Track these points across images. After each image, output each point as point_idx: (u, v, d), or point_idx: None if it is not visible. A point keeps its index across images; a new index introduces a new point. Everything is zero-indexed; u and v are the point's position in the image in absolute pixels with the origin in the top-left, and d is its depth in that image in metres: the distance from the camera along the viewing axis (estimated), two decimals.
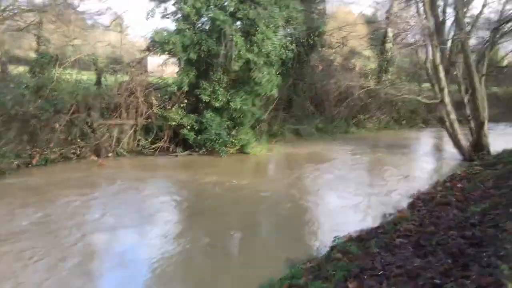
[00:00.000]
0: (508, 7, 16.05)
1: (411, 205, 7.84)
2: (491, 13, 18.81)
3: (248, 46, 12.22)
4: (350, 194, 9.26)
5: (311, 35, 15.30)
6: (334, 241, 6.25)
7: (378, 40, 21.79)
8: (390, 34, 20.91)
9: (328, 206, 8.54)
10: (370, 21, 23.55)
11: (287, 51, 13.28)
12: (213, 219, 7.72)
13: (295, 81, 17.09)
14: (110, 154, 12.95)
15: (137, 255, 6.35)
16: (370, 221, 7.35)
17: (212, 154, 12.98)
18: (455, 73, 13.82)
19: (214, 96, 12.73)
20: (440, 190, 8.40)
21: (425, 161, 13.07)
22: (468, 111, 12.80)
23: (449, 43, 17.06)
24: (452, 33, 18.71)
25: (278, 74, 13.51)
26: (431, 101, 12.70)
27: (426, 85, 20.20)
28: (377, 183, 10.22)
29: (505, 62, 24.15)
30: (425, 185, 9.69)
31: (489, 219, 5.76)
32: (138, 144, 13.55)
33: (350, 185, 9.98)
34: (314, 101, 18.24)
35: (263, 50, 12.24)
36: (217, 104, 12.70)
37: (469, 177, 8.83)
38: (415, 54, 23.09)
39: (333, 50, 17.96)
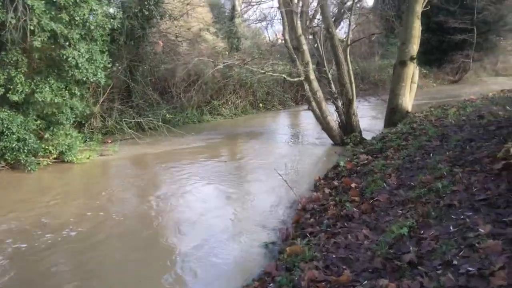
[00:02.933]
0: None
1: (298, 224, 5.59)
2: None
3: (54, 13, 8.66)
4: (213, 213, 6.63)
5: (146, 3, 12.17)
6: None
7: (226, 16, 19.65)
8: (238, 8, 18.91)
9: (186, 243, 5.78)
10: None
11: (112, 21, 9.96)
12: None
13: (132, 64, 13.80)
14: None
15: None
16: (247, 265, 4.87)
17: (17, 169, 9.20)
18: (315, 45, 12.20)
19: (11, 87, 8.90)
20: (330, 193, 6.34)
21: (294, 149, 11.22)
22: (333, 87, 11.27)
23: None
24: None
25: (106, 53, 10.17)
26: (295, 79, 10.83)
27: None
28: (243, 190, 7.86)
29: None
30: (305, 184, 7.65)
31: (430, 250, 3.72)
32: None
33: (210, 198, 7.41)
34: (158, 87, 15.21)
35: (77, 19, 8.80)
36: (16, 98, 8.84)
37: (359, 171, 6.98)
38: (265, 29, 21.77)
39: (176, 24, 15.01)
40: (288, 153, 10.76)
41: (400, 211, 4.78)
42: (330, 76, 11.36)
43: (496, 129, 6.83)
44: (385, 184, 5.66)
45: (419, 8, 10.65)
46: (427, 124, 8.30)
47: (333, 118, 10.96)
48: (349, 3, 18.94)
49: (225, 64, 11.66)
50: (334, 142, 10.95)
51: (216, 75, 15.73)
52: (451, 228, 3.91)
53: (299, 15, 11.06)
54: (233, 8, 18.72)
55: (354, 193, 5.77)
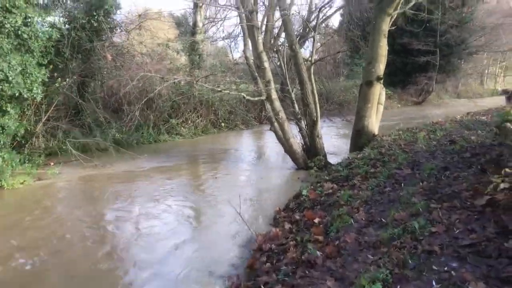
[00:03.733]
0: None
1: (251, 270, 4.72)
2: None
3: None
4: (153, 251, 5.70)
5: (95, 13, 11.21)
6: None
7: (188, 31, 18.86)
8: (200, 24, 18.17)
9: None
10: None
11: (51, 30, 8.94)
12: None
13: (81, 79, 12.71)
14: None
15: None
16: None
17: None
18: (278, 63, 11.55)
19: None
20: (290, 229, 5.52)
21: (255, 173, 10.37)
22: (297, 108, 10.61)
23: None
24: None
25: (46, 66, 9.13)
26: (256, 98, 10.09)
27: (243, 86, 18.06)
28: (194, 222, 6.94)
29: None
30: (264, 217, 6.82)
31: None
32: None
33: (154, 232, 6.42)
34: (110, 105, 14.13)
35: (7, 27, 7.78)
36: None
37: (323, 202, 6.20)
38: (229, 47, 21.19)
39: (128, 38, 14.00)
40: (249, 178, 9.93)
41: (371, 257, 4.01)
42: (293, 95, 10.71)
43: (471, 156, 6.25)
44: (352, 220, 4.90)
45: (385, 27, 10.19)
46: (396, 149, 7.68)
47: (296, 140, 10.25)
48: (314, 22, 18.62)
49: (176, 80, 10.79)
50: (298, 166, 10.22)
51: (172, 92, 14.86)
52: (434, 284, 3.17)
53: (262, 31, 10.43)
54: (195, 24, 17.94)
55: (318, 231, 4.97)
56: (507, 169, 3.77)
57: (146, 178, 9.79)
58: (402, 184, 5.73)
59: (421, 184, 5.34)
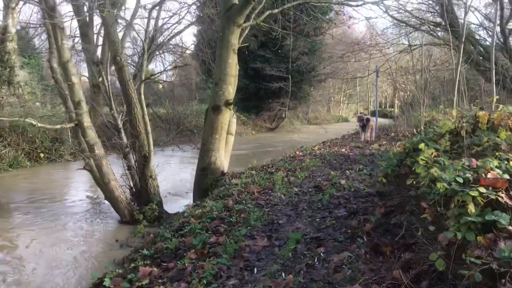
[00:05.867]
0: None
1: None
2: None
3: None
4: None
5: None
6: None
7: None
8: (13, 30, 14.43)
9: None
10: None
11: None
12: None
13: None
14: None
15: None
16: None
17: None
18: (100, 79, 8.87)
19: None
20: None
21: (67, 232, 7.33)
22: (125, 138, 8.03)
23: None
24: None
25: None
26: (58, 126, 7.24)
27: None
28: None
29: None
30: None
31: None
32: None
33: None
34: None
35: None
36: None
37: None
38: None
39: None
40: (53, 241, 6.88)
41: None
42: (120, 122, 8.14)
43: (348, 215, 4.45)
44: None
45: (235, 40, 8.31)
46: (248, 200, 5.61)
47: (119, 183, 7.61)
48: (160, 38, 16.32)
49: None
50: (122, 219, 7.56)
51: None
52: None
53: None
54: (5, 29, 14.13)
55: None
56: None
57: None
58: (255, 271, 3.59)
59: (283, 276, 3.25)
